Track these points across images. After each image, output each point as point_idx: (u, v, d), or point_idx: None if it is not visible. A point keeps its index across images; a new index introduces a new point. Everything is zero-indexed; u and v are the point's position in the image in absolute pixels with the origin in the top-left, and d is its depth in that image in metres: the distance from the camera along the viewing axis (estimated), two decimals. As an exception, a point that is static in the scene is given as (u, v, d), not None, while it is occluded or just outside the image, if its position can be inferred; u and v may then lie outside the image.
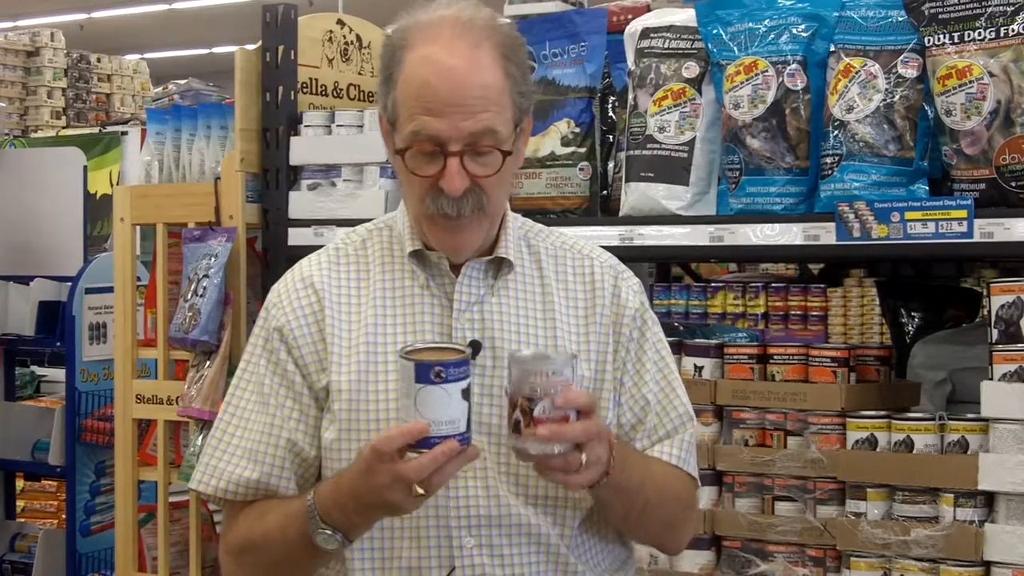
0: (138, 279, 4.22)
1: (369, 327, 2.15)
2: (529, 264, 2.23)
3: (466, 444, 1.92)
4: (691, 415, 2.27)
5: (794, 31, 3.12)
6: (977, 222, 2.82)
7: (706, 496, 3.25)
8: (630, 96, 3.35)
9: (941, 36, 2.87)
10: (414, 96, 2.06)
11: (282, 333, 2.18)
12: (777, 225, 3.07)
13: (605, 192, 3.50)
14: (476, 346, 2.11)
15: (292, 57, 3.92)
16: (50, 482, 6.12)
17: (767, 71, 3.11)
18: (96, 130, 11.81)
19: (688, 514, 2.29)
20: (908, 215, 2.89)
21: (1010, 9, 2.79)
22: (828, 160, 3.02)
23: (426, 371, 1.89)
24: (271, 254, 3.85)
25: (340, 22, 4.15)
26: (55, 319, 5.21)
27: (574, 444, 1.94)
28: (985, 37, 2.81)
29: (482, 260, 2.18)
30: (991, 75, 2.79)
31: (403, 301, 2.16)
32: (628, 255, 3.24)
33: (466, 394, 1.92)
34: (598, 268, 2.26)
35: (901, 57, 2.96)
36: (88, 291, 5.01)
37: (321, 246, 2.30)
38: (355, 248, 2.24)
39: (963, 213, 2.83)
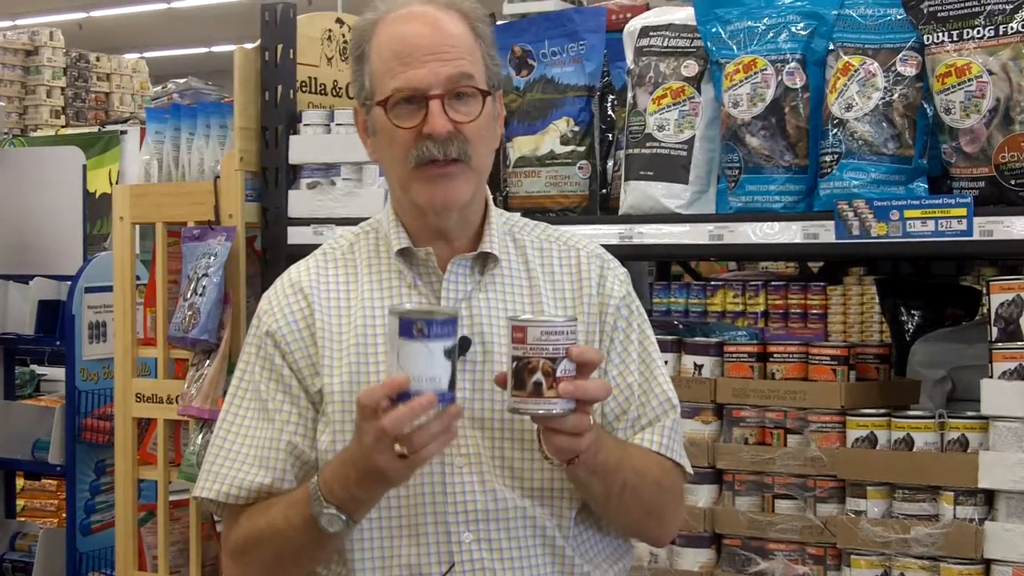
0: (137, 278, 4.22)
1: (359, 329, 2.16)
2: (515, 258, 2.24)
3: (447, 404, 1.91)
4: (673, 403, 2.26)
5: (793, 29, 3.12)
6: (976, 220, 2.82)
7: (706, 494, 3.25)
8: (629, 94, 3.35)
9: (940, 34, 2.88)
10: (391, 56, 2.14)
11: (275, 339, 2.19)
12: (776, 223, 3.07)
13: (604, 191, 3.50)
14: (466, 342, 2.12)
15: (291, 56, 3.92)
16: (50, 481, 6.12)
17: (766, 69, 3.11)
18: (95, 129, 11.80)
19: (671, 501, 2.27)
20: (907, 213, 2.89)
21: (1009, 7, 2.79)
22: (827, 158, 3.02)
23: (408, 326, 1.90)
24: (270, 253, 3.85)
25: (339, 21, 4.15)
26: (55, 318, 5.21)
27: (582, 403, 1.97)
28: (984, 35, 2.81)
29: (467, 256, 2.19)
30: (990, 73, 2.79)
31: (391, 302, 2.16)
32: (627, 253, 3.25)
33: (449, 354, 1.92)
34: (584, 258, 2.27)
35: (900, 55, 2.96)
36: (88, 290, 5.02)
37: (321, 245, 2.31)
38: (343, 252, 2.26)
39: (962, 211, 2.83)
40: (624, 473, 2.12)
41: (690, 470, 2.30)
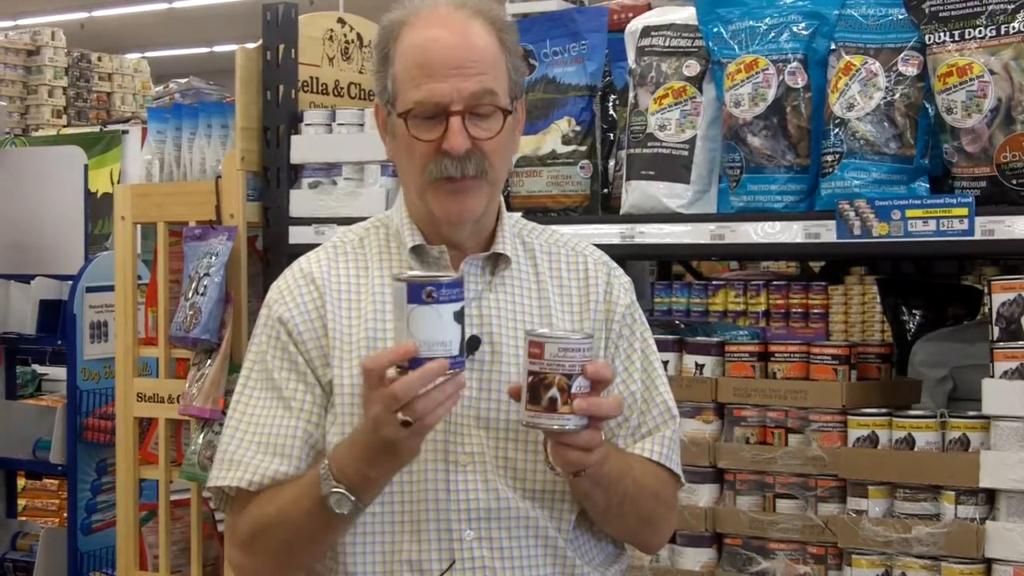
0: (139, 278, 4.22)
1: (369, 323, 2.15)
2: (525, 261, 2.25)
3: (458, 368, 1.90)
4: (674, 412, 2.26)
5: (795, 29, 3.12)
6: (978, 220, 2.82)
7: (707, 494, 3.25)
8: (631, 94, 3.35)
9: (942, 34, 2.88)
10: (414, 64, 2.11)
11: (287, 327, 2.17)
12: (778, 223, 3.07)
13: (606, 190, 3.50)
14: (475, 341, 2.12)
15: (293, 56, 3.92)
16: (51, 480, 6.13)
17: (768, 69, 3.11)
18: (97, 129, 11.81)
19: (667, 512, 2.27)
20: (909, 213, 2.89)
21: (1011, 7, 2.79)
22: (829, 158, 3.02)
23: (418, 291, 1.89)
24: (272, 253, 3.85)
25: (341, 21, 4.15)
26: (56, 318, 5.21)
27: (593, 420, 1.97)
28: (986, 35, 2.81)
29: (479, 256, 2.20)
30: (992, 73, 2.79)
31: None
32: (629, 253, 3.26)
33: (459, 317, 1.91)
34: (592, 264, 2.28)
35: (902, 55, 2.96)
36: (89, 290, 5.02)
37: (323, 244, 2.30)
38: (353, 246, 2.25)
39: (964, 211, 2.83)
40: (625, 484, 2.13)
41: (684, 481, 2.30)
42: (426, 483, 2.10)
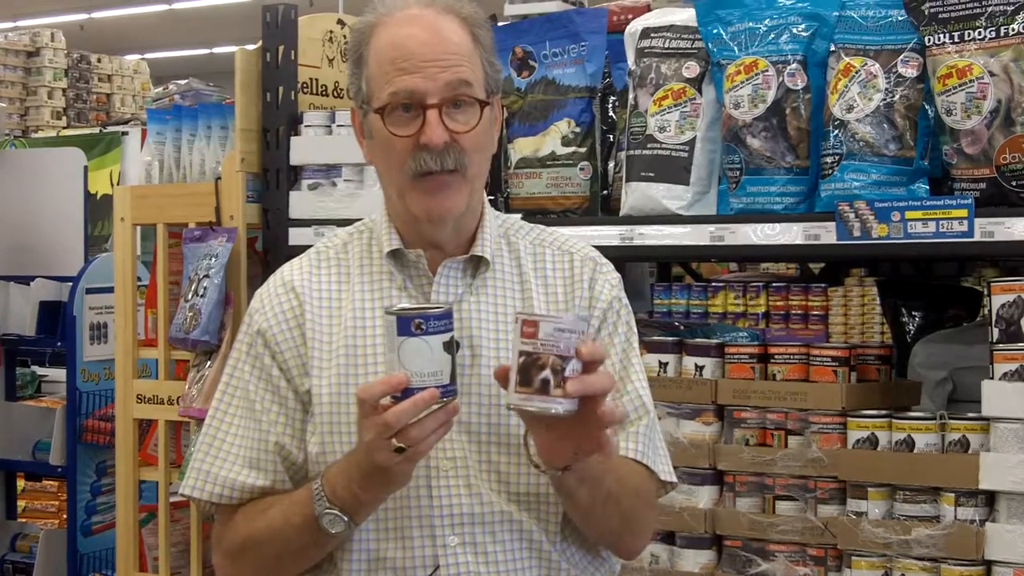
0: (139, 279, 4.22)
1: (349, 330, 2.15)
2: (508, 261, 2.23)
3: (450, 396, 1.92)
4: (648, 407, 2.21)
5: (794, 31, 3.13)
6: (978, 221, 2.82)
7: (707, 495, 3.25)
8: (630, 96, 3.35)
9: (941, 35, 2.88)
10: (388, 61, 2.11)
11: (265, 337, 2.18)
12: (777, 225, 3.07)
13: (606, 192, 3.50)
14: (455, 346, 2.11)
15: (292, 57, 3.92)
16: (51, 482, 6.13)
17: (767, 71, 3.11)
18: (97, 130, 11.83)
19: (648, 511, 2.23)
20: (908, 214, 2.89)
21: (1010, 8, 2.79)
22: (828, 160, 3.02)
23: (406, 324, 1.91)
24: (272, 254, 3.85)
25: (340, 22, 4.15)
26: (56, 319, 5.21)
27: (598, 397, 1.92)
28: (985, 36, 2.82)
29: (459, 259, 2.18)
30: (991, 74, 2.79)
31: (382, 304, 2.15)
32: (628, 255, 3.27)
33: (448, 347, 1.92)
34: (578, 262, 2.25)
35: (901, 56, 2.96)
36: (89, 291, 5.02)
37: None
38: (336, 252, 2.25)
39: (963, 212, 2.83)
40: (608, 481, 2.09)
41: (664, 476, 2.24)
42: (408, 489, 2.07)
